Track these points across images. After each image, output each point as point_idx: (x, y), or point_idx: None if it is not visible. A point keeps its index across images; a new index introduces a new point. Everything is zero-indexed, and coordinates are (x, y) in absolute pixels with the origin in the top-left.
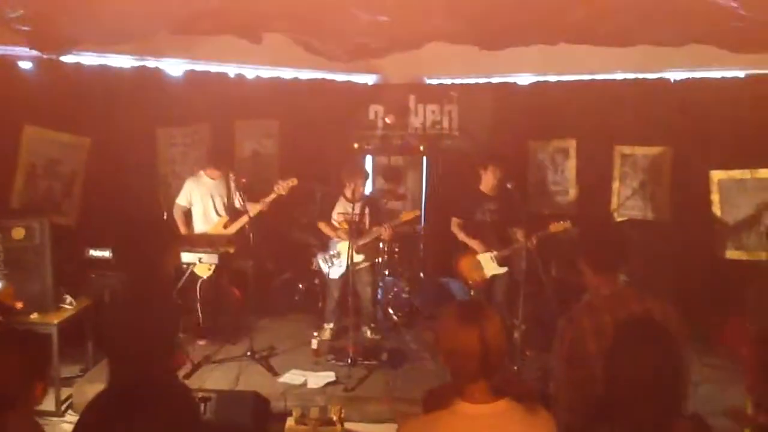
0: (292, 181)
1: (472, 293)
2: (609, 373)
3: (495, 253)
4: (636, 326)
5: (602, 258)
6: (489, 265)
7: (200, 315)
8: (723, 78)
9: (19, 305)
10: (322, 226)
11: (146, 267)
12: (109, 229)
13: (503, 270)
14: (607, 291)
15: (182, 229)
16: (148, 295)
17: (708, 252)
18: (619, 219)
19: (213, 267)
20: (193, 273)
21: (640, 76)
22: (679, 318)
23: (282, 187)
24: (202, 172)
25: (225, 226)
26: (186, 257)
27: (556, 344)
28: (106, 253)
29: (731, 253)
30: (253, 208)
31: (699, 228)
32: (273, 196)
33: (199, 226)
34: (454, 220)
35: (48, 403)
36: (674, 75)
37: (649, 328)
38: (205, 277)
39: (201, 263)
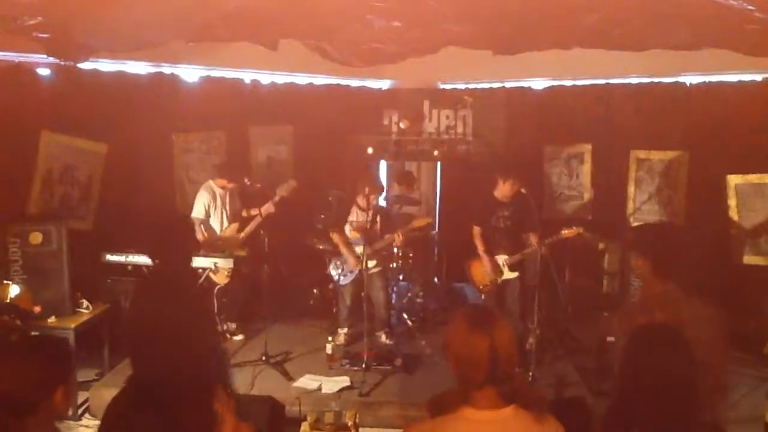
0: (292, 183)
1: (483, 297)
2: (625, 374)
3: (505, 258)
4: (657, 332)
5: (665, 261)
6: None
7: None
8: (740, 82)
9: (37, 309)
10: (335, 237)
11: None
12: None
13: (514, 275)
14: (658, 290)
15: (200, 238)
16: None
17: (725, 257)
18: (634, 224)
19: (229, 273)
20: (209, 279)
21: (656, 80)
22: (724, 323)
23: (283, 189)
24: (211, 182)
25: (238, 231)
26: (201, 262)
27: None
28: (122, 258)
29: (749, 259)
30: (267, 208)
31: (716, 233)
32: (276, 198)
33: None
34: (476, 229)
35: None
36: (690, 79)
37: (670, 334)
38: (222, 284)
39: (216, 268)
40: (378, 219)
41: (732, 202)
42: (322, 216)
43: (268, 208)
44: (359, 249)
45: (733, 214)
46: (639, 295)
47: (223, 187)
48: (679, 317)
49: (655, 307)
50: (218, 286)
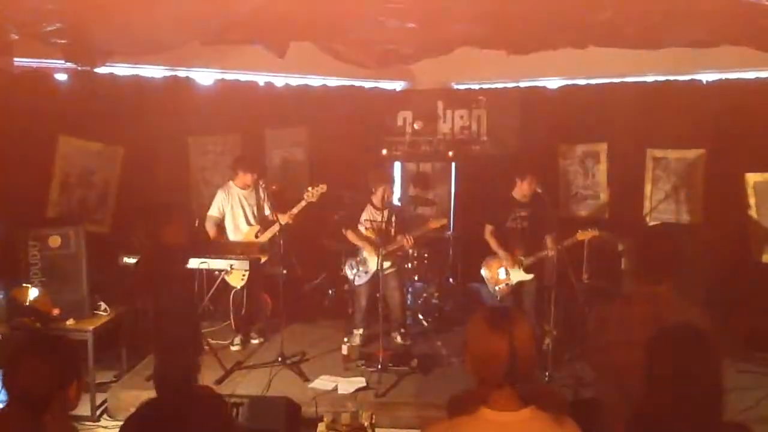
0: (322, 188)
1: (498, 299)
2: (648, 382)
3: (521, 259)
4: (675, 334)
5: (650, 268)
6: (515, 271)
7: (233, 323)
8: (757, 79)
9: (56, 312)
10: (349, 234)
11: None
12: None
13: (529, 277)
14: (647, 292)
15: (212, 236)
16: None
17: (744, 256)
18: (651, 223)
19: (245, 276)
20: (225, 281)
21: (672, 78)
22: (714, 331)
23: (311, 194)
24: (231, 183)
25: (257, 236)
26: (218, 264)
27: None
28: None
29: None
30: (283, 218)
31: (734, 231)
32: (303, 203)
33: (231, 236)
34: (488, 228)
35: (83, 408)
36: (707, 76)
37: (688, 334)
38: (238, 287)
39: (232, 270)
40: (393, 219)
41: (751, 200)
42: (336, 217)
43: (286, 216)
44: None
45: (752, 212)
46: (625, 294)
47: (243, 187)
48: (662, 319)
49: (636, 304)
50: (234, 290)
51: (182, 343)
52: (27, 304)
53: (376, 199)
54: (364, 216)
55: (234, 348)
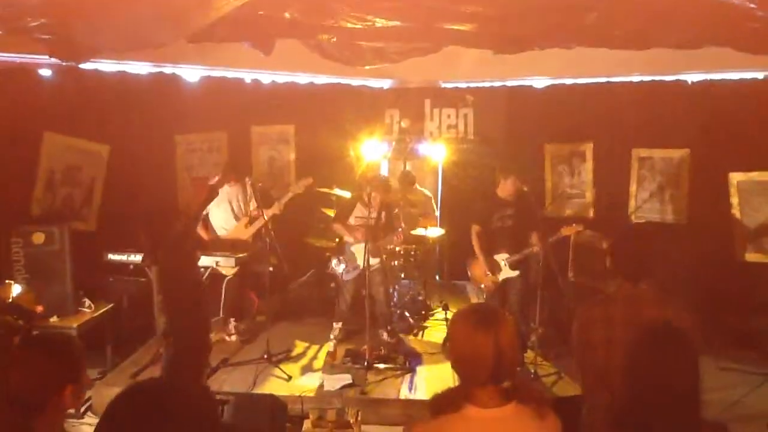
0: (308, 180)
1: (485, 296)
2: (626, 380)
3: (506, 256)
4: (655, 333)
5: (629, 265)
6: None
7: (222, 310)
8: (741, 79)
9: (40, 309)
10: (338, 227)
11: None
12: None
13: (515, 274)
14: (627, 290)
15: (203, 235)
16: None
17: (727, 255)
18: (636, 222)
19: (235, 266)
20: (215, 273)
21: (657, 78)
22: (694, 328)
23: (298, 186)
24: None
25: (246, 226)
26: (204, 261)
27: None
28: (125, 257)
29: (751, 256)
30: (269, 211)
31: (718, 231)
32: (289, 195)
33: (219, 232)
34: (475, 228)
35: None
36: (692, 77)
37: (668, 334)
38: (230, 275)
39: (218, 266)
40: (383, 216)
41: (734, 199)
42: (323, 211)
43: (272, 210)
44: (360, 246)
45: (736, 211)
46: (606, 293)
47: (230, 184)
48: (642, 317)
49: (618, 304)
50: (227, 278)
51: (196, 337)
52: (10, 301)
53: (367, 198)
54: (356, 213)
55: (229, 338)
